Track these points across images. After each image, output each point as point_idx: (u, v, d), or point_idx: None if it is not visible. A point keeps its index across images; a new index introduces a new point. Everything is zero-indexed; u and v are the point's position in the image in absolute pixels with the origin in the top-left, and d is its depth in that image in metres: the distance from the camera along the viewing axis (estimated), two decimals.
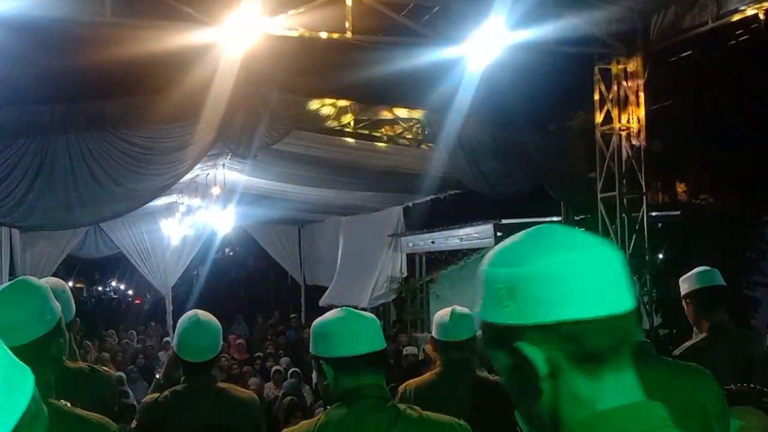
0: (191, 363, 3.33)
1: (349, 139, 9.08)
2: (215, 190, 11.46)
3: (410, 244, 13.37)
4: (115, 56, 6.29)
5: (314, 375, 2.52)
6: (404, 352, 10.78)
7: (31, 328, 2.03)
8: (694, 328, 4.09)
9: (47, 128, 7.07)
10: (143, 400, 3.65)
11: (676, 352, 3.88)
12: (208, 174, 11.54)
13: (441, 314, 3.73)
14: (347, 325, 2.30)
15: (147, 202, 8.55)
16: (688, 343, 3.92)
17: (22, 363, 1.03)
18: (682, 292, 4.04)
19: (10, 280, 11.51)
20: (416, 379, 3.81)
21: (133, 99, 7.33)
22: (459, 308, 3.71)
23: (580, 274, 1.04)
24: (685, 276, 4.02)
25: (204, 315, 3.42)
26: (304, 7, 6.18)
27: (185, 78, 6.73)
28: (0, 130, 6.96)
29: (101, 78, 6.82)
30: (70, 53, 6.43)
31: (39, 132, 7.07)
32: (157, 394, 3.43)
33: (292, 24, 6.16)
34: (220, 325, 3.48)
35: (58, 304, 2.16)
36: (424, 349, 9.94)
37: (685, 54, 8.30)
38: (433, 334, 3.74)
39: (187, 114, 7.33)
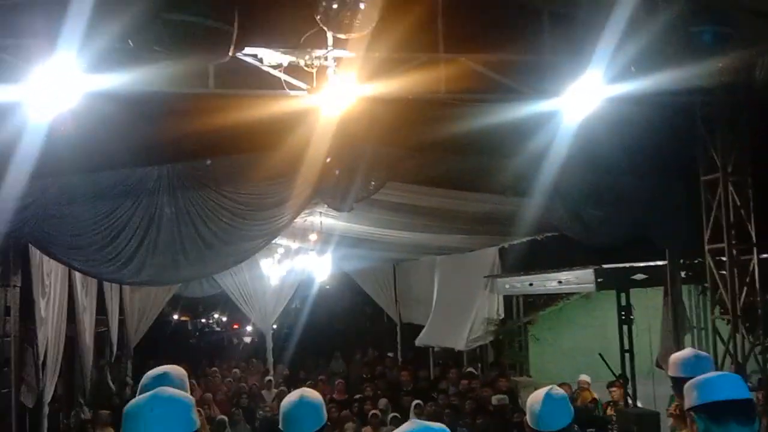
0: None
1: (445, 189, 9.01)
2: (312, 237, 11.66)
3: (507, 286, 13.13)
4: (218, 122, 6.53)
5: None
6: (494, 402, 10.67)
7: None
8: None
9: (154, 189, 7.36)
10: None
11: None
12: (305, 220, 11.75)
13: (534, 399, 3.47)
14: None
15: (248, 257, 8.78)
16: None
17: None
18: None
19: (120, 319, 11.79)
20: None
21: (235, 159, 7.57)
22: (555, 391, 3.46)
23: None
24: None
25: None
26: (398, 70, 6.24)
27: (284, 139, 6.91)
28: (110, 192, 7.27)
29: (204, 141, 7.08)
30: (175, 121, 6.70)
31: (146, 193, 7.37)
32: None
33: (386, 88, 6.23)
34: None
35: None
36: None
37: None
38: (529, 422, 3.48)
39: (285, 172, 7.52)
